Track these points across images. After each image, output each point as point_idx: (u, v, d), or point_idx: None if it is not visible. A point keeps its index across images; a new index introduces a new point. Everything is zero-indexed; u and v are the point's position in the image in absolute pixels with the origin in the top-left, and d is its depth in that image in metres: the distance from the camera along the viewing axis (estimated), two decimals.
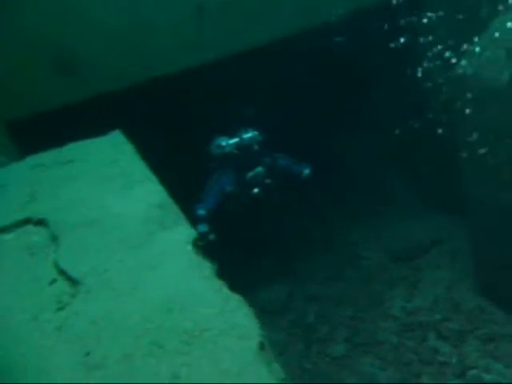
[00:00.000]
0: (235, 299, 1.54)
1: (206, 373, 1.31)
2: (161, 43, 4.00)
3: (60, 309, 1.62)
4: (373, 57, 4.88)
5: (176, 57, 4.07)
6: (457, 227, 4.91)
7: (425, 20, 4.18)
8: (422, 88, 4.22)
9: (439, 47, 4.06)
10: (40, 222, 1.97)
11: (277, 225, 5.24)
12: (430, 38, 4.12)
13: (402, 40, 4.29)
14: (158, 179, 2.12)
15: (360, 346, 4.30)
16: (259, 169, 4.50)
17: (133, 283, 1.64)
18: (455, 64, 3.61)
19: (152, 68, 3.98)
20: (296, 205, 5.18)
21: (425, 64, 4.19)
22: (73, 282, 1.69)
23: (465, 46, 3.59)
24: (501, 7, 3.45)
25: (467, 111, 3.51)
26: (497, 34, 3.32)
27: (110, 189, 2.09)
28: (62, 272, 1.73)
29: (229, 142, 4.51)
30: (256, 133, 4.52)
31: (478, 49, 3.43)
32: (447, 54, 3.96)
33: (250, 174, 4.48)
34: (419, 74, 4.34)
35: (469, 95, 3.40)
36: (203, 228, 4.05)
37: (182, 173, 4.08)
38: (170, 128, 4.74)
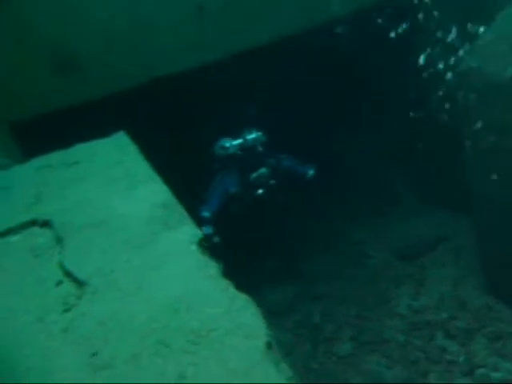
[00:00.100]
0: (242, 298, 1.54)
1: (212, 372, 1.30)
2: (161, 43, 4.00)
3: (66, 310, 1.61)
4: (373, 55, 4.87)
5: (177, 57, 4.07)
6: (461, 224, 4.89)
7: (428, 15, 4.16)
8: (425, 84, 4.20)
9: (442, 43, 4.05)
10: (45, 224, 1.97)
11: (281, 226, 5.23)
12: (434, 34, 4.10)
13: (403, 37, 4.27)
14: (161, 179, 2.12)
15: (366, 344, 4.28)
16: (263, 170, 4.49)
17: (138, 283, 1.64)
18: (458, 59, 3.59)
19: (153, 68, 3.99)
20: (300, 205, 5.17)
21: (427, 61, 4.17)
22: (79, 283, 1.69)
23: (469, 41, 3.57)
24: (505, 0, 3.43)
25: (470, 107, 3.49)
26: (501, 29, 3.30)
27: (114, 190, 2.10)
28: (67, 273, 1.73)
29: (232, 143, 4.51)
30: (260, 133, 4.51)
31: (481, 43, 3.41)
32: (450, 49, 3.95)
33: (254, 175, 4.47)
34: (421, 71, 4.33)
35: (472, 90, 3.38)
36: (208, 230, 4.04)
37: (184, 173, 4.08)
38: (171, 128, 4.74)
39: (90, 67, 3.80)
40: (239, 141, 4.50)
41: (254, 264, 5.04)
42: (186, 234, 1.82)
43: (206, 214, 4.21)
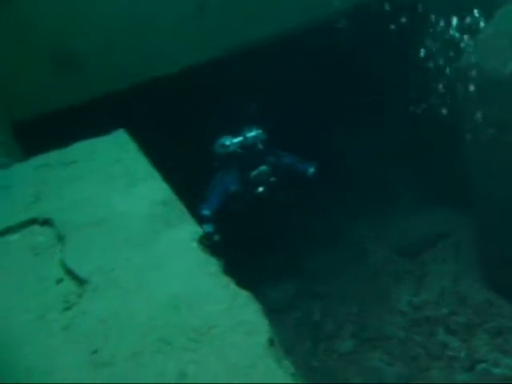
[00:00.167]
0: (243, 295, 1.53)
1: (214, 369, 1.30)
2: (162, 42, 3.99)
3: (67, 308, 1.61)
4: (373, 51, 4.86)
5: (177, 56, 4.06)
6: (461, 221, 4.89)
7: (427, 11, 4.15)
8: (424, 80, 4.19)
9: (442, 39, 4.04)
10: (45, 222, 1.96)
11: (282, 223, 5.22)
12: (434, 29, 4.09)
13: (404, 33, 4.26)
14: (161, 177, 2.11)
15: (367, 341, 4.30)
16: (263, 167, 4.47)
17: (139, 281, 1.64)
18: (459, 54, 3.58)
19: (153, 67, 3.98)
20: (301, 203, 5.16)
21: (427, 57, 4.16)
22: (79, 281, 1.68)
23: (469, 37, 3.56)
24: None
25: (470, 100, 3.48)
26: (501, 25, 3.30)
27: (114, 188, 2.09)
28: (68, 271, 1.73)
29: (233, 141, 4.49)
30: (260, 131, 4.49)
31: (481, 39, 3.40)
32: (450, 44, 3.94)
33: (254, 172, 4.46)
34: (421, 66, 4.32)
35: (472, 86, 3.38)
36: (208, 228, 4.03)
37: (184, 172, 4.07)
38: (171, 127, 4.73)
39: (90, 66, 3.79)
40: (239, 139, 4.49)
41: (255, 262, 5.04)
42: (187, 231, 1.81)
43: (206, 212, 4.20)
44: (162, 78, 4.01)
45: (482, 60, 3.35)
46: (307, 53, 4.59)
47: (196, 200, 4.17)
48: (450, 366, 3.97)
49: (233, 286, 1.57)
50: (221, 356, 1.34)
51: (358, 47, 4.65)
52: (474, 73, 3.45)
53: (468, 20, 3.82)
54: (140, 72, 3.94)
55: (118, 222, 1.91)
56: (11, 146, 3.05)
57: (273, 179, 4.51)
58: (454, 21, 3.97)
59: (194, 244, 1.75)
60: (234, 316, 1.45)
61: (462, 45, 3.63)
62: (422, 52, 4.24)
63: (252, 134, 4.48)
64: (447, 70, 3.93)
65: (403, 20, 4.26)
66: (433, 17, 4.16)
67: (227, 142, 4.50)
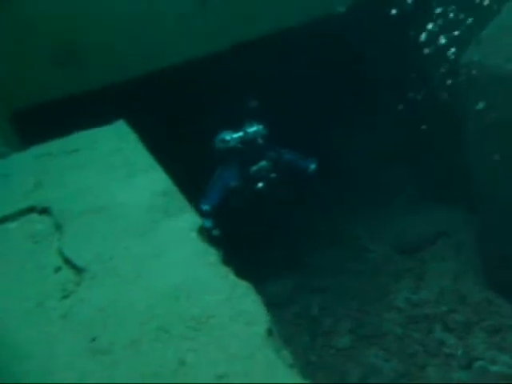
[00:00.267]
0: (242, 286, 1.53)
1: (213, 358, 1.29)
2: (163, 34, 3.98)
3: (65, 297, 1.60)
4: (376, 49, 4.85)
5: (179, 48, 4.05)
6: (461, 219, 4.90)
7: (432, 7, 4.13)
8: (427, 78, 4.18)
9: (446, 35, 4.01)
10: (44, 211, 1.95)
11: (282, 219, 5.21)
12: (437, 25, 4.07)
13: (405, 28, 4.24)
14: (161, 168, 2.10)
15: (365, 337, 4.30)
16: (263, 163, 4.45)
17: (138, 270, 1.63)
18: (462, 52, 3.56)
19: (155, 59, 3.96)
20: (302, 199, 5.15)
21: (430, 53, 4.14)
22: (78, 269, 1.67)
23: (473, 34, 3.54)
24: None
25: (473, 99, 3.47)
26: (505, 21, 3.28)
27: (114, 177, 2.08)
28: (66, 260, 1.72)
29: (233, 136, 4.47)
30: (261, 127, 4.47)
31: (485, 36, 3.39)
32: (454, 42, 3.92)
33: (254, 168, 4.44)
34: (423, 63, 4.30)
35: (474, 83, 3.37)
36: (208, 223, 4.02)
37: (185, 165, 4.06)
38: (171, 119, 4.72)
39: (91, 58, 3.78)
40: (240, 134, 4.47)
41: (255, 257, 5.03)
42: (186, 221, 1.80)
43: (205, 207, 4.18)
44: (164, 70, 4.00)
45: (484, 56, 3.34)
46: (310, 45, 4.56)
47: (197, 192, 4.16)
48: (448, 364, 3.97)
49: (232, 276, 1.57)
50: (220, 345, 1.33)
51: (359, 42, 4.63)
52: (476, 69, 3.43)
53: (472, 17, 3.80)
54: (141, 64, 3.93)
55: (118, 211, 1.90)
56: (10, 135, 3.04)
57: (273, 175, 4.49)
58: (458, 19, 3.95)
59: (194, 234, 1.75)
60: (233, 306, 1.45)
61: (467, 41, 3.60)
62: (426, 49, 4.22)
63: (253, 129, 4.46)
64: (450, 67, 3.91)
65: (401, 20, 4.25)
66: (434, 17, 4.15)
67: (227, 137, 4.48)
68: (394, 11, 4.11)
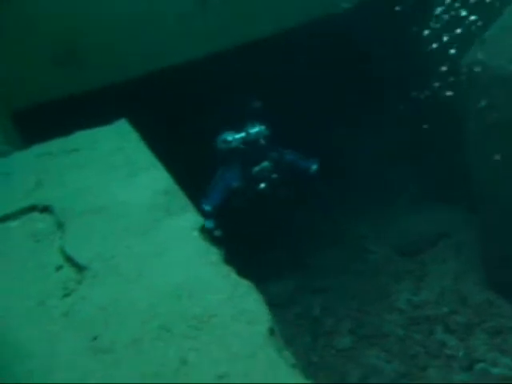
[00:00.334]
0: (244, 285, 1.52)
1: (215, 357, 1.29)
2: (164, 34, 3.98)
3: (66, 295, 1.60)
4: (379, 50, 4.84)
5: (179, 48, 4.05)
6: (463, 219, 4.88)
7: (435, 8, 4.12)
8: (430, 77, 4.17)
9: (448, 36, 4.01)
10: (45, 209, 1.95)
11: (284, 220, 5.20)
12: (440, 25, 4.06)
13: (409, 29, 4.24)
14: (163, 166, 2.10)
15: (366, 338, 4.28)
16: (265, 164, 4.44)
17: (140, 269, 1.63)
18: (464, 53, 3.56)
19: (155, 59, 3.96)
20: (303, 199, 5.15)
21: (433, 53, 4.13)
22: (79, 268, 1.67)
23: (476, 35, 3.54)
24: None
25: (475, 100, 3.46)
26: (508, 22, 3.28)
27: (115, 176, 2.08)
28: (68, 258, 1.72)
29: (235, 137, 4.46)
30: (263, 127, 4.46)
31: (488, 36, 3.38)
32: (456, 43, 3.91)
33: (256, 168, 4.43)
34: (426, 64, 4.29)
35: (477, 83, 3.36)
36: (209, 224, 4.01)
37: (186, 165, 4.05)
38: (172, 120, 4.71)
39: (91, 58, 3.78)
40: (242, 134, 4.46)
41: (257, 258, 5.02)
42: (188, 220, 1.80)
43: (207, 207, 4.18)
44: (164, 70, 4.00)
45: (487, 57, 3.33)
46: (311, 45, 4.55)
47: (197, 193, 4.15)
48: (449, 365, 3.95)
49: (234, 276, 1.56)
50: (221, 344, 1.33)
51: (364, 42, 4.62)
52: (479, 70, 3.43)
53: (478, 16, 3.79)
54: (141, 64, 3.93)
55: (119, 210, 1.90)
56: (11, 134, 3.03)
57: (275, 176, 4.48)
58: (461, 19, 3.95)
59: (195, 233, 1.74)
60: (236, 305, 1.44)
61: (470, 42, 3.59)
62: (429, 49, 4.22)
63: (255, 129, 4.45)
64: (452, 68, 3.90)
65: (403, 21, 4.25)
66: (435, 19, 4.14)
67: (229, 138, 4.47)
68: (399, 8, 4.10)
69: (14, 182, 2.19)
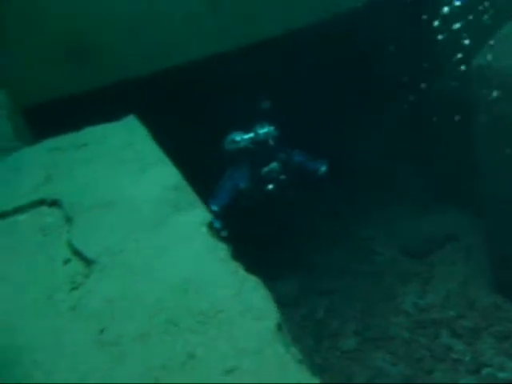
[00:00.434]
0: (252, 281, 1.51)
1: (222, 352, 1.28)
2: (174, 34, 3.99)
3: (74, 288, 1.60)
4: (389, 50, 4.82)
5: (189, 47, 4.06)
6: (471, 222, 4.85)
7: (445, 10, 4.10)
8: (439, 80, 4.15)
9: (458, 39, 3.99)
10: (54, 203, 1.96)
11: (291, 221, 5.18)
12: (451, 28, 4.04)
13: (418, 32, 4.22)
14: (171, 162, 2.10)
15: (371, 340, 4.26)
16: (274, 165, 4.43)
17: (148, 264, 1.62)
18: (474, 55, 3.53)
19: (165, 58, 3.98)
20: (310, 200, 5.13)
21: (443, 55, 4.12)
22: (87, 262, 1.67)
23: (486, 38, 3.51)
24: None
25: (485, 102, 3.44)
26: None
27: (124, 171, 2.08)
28: (76, 252, 1.72)
29: (243, 137, 4.45)
30: (272, 128, 4.45)
31: (498, 38, 3.36)
32: (466, 45, 3.89)
33: (265, 169, 4.42)
34: (436, 65, 4.27)
35: (486, 86, 3.34)
36: (216, 224, 3.99)
37: (193, 165, 4.05)
38: (181, 119, 4.71)
39: (102, 56, 3.79)
40: (250, 135, 4.45)
41: (263, 258, 5.01)
42: (197, 216, 1.79)
43: (214, 207, 4.17)
44: (175, 69, 4.01)
45: (497, 59, 3.31)
46: (321, 45, 4.54)
47: (205, 194, 4.14)
48: (455, 369, 3.92)
49: (241, 272, 1.56)
50: (229, 339, 1.32)
51: (373, 43, 4.61)
52: (488, 73, 3.41)
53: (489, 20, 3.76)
54: (151, 62, 3.94)
55: (128, 205, 1.90)
56: (22, 130, 3.05)
57: (283, 177, 4.46)
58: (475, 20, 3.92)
59: (204, 229, 1.74)
60: (243, 301, 1.43)
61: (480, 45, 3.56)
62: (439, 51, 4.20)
63: (264, 130, 4.44)
64: (462, 71, 3.88)
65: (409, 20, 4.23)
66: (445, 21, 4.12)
67: (237, 138, 4.46)
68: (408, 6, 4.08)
69: (24, 176, 2.19)
